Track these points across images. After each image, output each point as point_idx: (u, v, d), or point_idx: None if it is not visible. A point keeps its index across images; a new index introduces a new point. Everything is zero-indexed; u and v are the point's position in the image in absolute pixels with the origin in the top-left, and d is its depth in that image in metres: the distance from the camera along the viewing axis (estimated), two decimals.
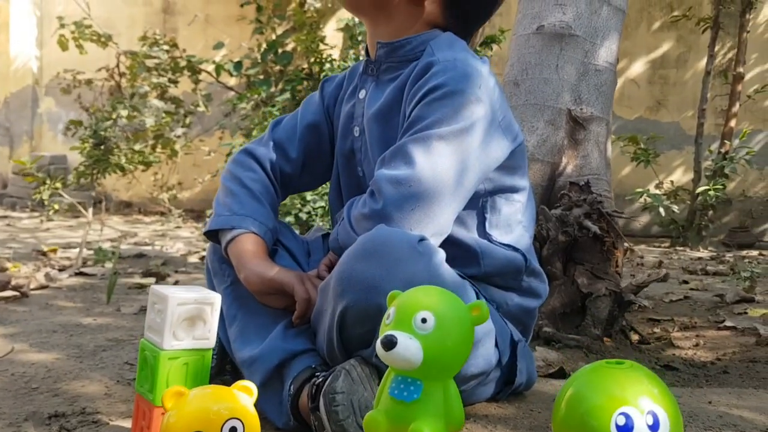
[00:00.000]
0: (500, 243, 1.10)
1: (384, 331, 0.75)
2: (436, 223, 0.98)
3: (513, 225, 1.12)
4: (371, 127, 1.12)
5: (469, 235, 1.09)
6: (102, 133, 3.02)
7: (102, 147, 3.00)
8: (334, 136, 1.25)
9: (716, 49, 5.15)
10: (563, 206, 1.81)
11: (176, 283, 2.40)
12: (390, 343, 0.73)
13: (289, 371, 1.03)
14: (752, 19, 5.25)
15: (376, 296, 0.87)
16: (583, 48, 1.92)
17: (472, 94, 1.00)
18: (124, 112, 3.30)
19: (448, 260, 0.99)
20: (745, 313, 2.15)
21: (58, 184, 3.00)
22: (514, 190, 1.12)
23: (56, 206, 3.16)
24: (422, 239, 0.93)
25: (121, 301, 2.11)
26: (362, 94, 1.16)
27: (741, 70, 5.05)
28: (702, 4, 5.58)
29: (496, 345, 1.07)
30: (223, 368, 1.23)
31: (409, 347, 0.74)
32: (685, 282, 2.77)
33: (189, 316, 0.91)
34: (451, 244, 1.04)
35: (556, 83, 1.89)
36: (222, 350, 1.19)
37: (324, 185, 1.43)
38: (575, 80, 1.91)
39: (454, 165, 0.98)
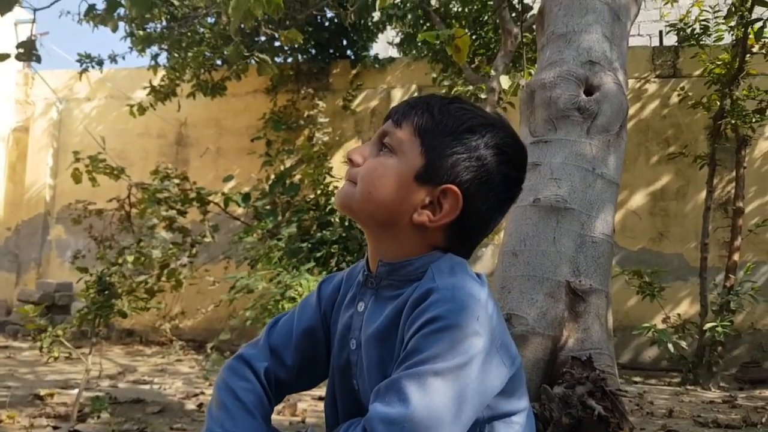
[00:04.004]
0: None
1: None
2: None
3: None
4: (368, 347, 1.12)
5: None
6: (107, 278, 3.05)
7: (106, 292, 3.03)
8: (330, 341, 1.25)
9: (715, 183, 5.24)
10: (566, 384, 1.78)
11: None
12: None
13: None
14: (748, 154, 5.37)
15: None
16: (579, 220, 1.94)
17: (470, 327, 0.99)
18: (130, 258, 3.36)
19: None
20: None
21: (60, 332, 3.00)
22: (512, 413, 1.10)
23: (57, 353, 3.15)
24: None
25: None
26: (360, 306, 1.17)
27: (740, 204, 5.10)
28: (698, 140, 5.74)
29: None
30: None
31: None
32: None
33: None
34: None
35: (553, 255, 1.91)
36: None
37: None
38: (573, 252, 1.92)
39: (450, 402, 0.96)
